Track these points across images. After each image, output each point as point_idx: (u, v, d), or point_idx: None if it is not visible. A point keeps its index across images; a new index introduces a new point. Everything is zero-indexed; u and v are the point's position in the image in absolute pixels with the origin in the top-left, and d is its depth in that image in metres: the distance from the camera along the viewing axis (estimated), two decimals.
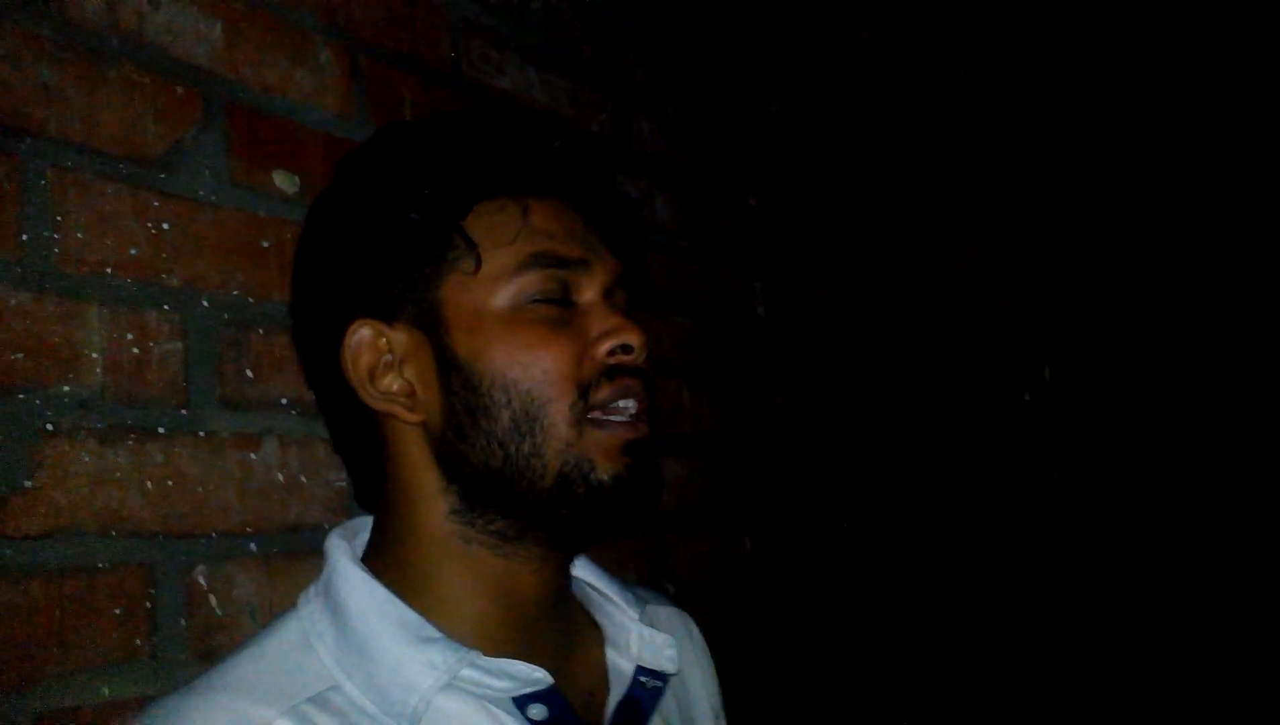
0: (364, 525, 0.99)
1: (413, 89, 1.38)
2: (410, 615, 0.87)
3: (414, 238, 0.91)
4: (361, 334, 0.92)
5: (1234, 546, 1.78)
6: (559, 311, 0.91)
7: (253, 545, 1.10)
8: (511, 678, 0.86)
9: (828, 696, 2.07)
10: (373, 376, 0.92)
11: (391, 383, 0.92)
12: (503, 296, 0.90)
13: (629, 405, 0.92)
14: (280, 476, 1.14)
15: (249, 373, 1.13)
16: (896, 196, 2.14)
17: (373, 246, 0.92)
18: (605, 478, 0.89)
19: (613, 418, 0.91)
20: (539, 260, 0.90)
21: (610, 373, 0.91)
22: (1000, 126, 2.02)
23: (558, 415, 0.88)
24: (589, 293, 0.94)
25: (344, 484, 1.19)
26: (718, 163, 2.10)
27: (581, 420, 0.89)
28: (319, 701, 0.82)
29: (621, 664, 1.00)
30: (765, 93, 2.27)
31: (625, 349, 0.92)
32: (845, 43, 2.21)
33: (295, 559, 1.13)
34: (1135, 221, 1.89)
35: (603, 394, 0.90)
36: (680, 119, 1.98)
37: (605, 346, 0.91)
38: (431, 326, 0.91)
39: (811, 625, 2.10)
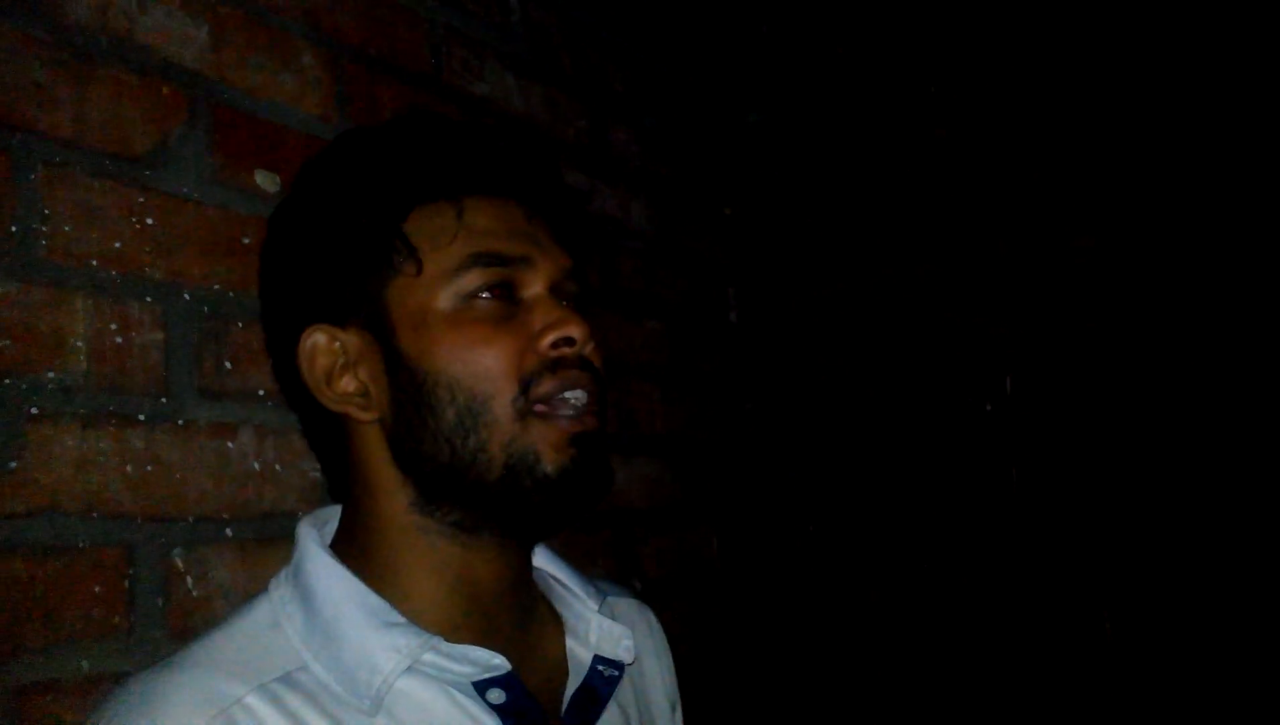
0: (333, 514, 1.01)
1: (393, 93, 1.40)
2: (375, 600, 0.89)
3: (357, 244, 0.93)
4: (315, 339, 0.94)
5: (1186, 546, 1.83)
6: (503, 308, 0.93)
7: (228, 530, 1.12)
8: (472, 663, 0.88)
9: (789, 692, 2.11)
10: (329, 379, 0.94)
11: (347, 384, 0.94)
12: (444, 297, 0.92)
13: (577, 397, 0.93)
14: (256, 465, 1.16)
15: (227, 364, 1.15)
16: (869, 208, 2.17)
17: (321, 254, 0.95)
18: (550, 470, 0.90)
19: (559, 411, 0.92)
20: (478, 260, 0.92)
21: (553, 366, 0.92)
22: (972, 135, 2.06)
23: (500, 410, 0.90)
24: (534, 288, 0.95)
25: (318, 474, 1.21)
26: (694, 171, 2.12)
27: (525, 414, 0.90)
28: (287, 680, 0.84)
29: (580, 653, 1.01)
30: (743, 104, 2.30)
31: (568, 341, 0.93)
32: (822, 58, 2.25)
33: (269, 544, 1.15)
34: (1097, 239, 1.94)
35: (545, 387, 0.91)
36: (658, 128, 2.01)
37: (547, 340, 0.92)
38: (380, 329, 0.93)
39: (775, 623, 2.12)
